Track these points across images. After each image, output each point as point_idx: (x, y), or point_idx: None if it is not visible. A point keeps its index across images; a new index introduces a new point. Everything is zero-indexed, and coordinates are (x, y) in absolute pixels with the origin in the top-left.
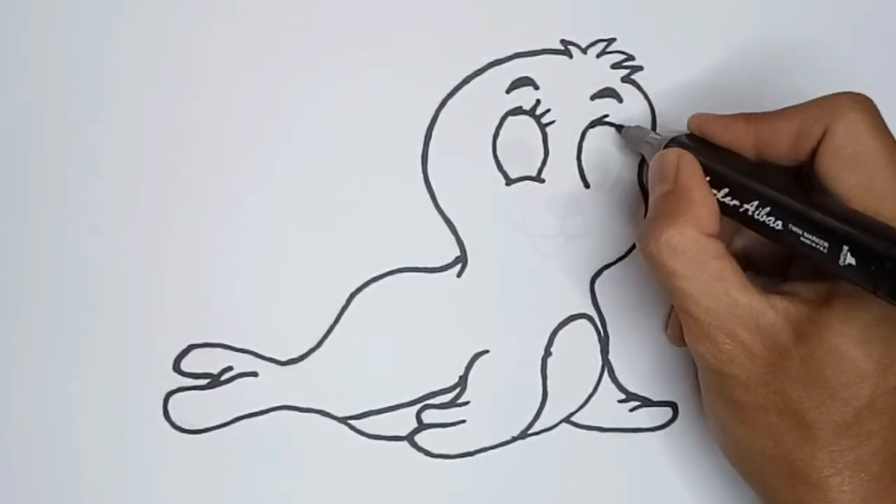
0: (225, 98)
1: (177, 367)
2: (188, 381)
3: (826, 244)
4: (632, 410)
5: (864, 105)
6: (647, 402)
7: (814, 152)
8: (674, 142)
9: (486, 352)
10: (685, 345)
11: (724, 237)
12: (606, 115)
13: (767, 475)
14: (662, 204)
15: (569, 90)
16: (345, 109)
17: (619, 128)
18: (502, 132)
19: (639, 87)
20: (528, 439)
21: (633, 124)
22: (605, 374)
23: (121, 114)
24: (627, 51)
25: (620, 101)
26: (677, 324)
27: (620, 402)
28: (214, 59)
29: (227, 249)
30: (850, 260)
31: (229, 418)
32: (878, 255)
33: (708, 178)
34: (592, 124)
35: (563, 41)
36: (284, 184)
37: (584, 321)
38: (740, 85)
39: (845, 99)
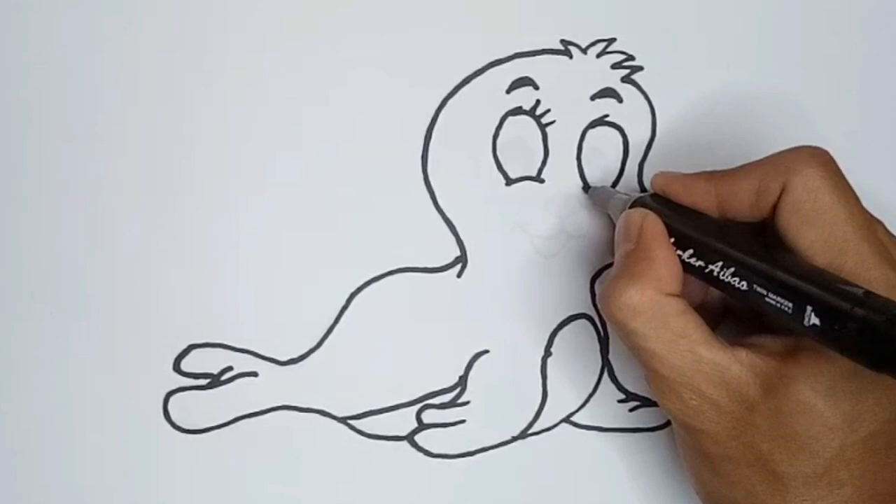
0: (225, 98)
1: (177, 367)
2: (188, 381)
3: (790, 304)
4: (632, 410)
5: (821, 159)
6: (647, 402)
7: (774, 209)
8: (639, 202)
9: (486, 352)
10: None
11: (693, 290)
12: (606, 116)
13: None
14: (624, 264)
15: (569, 90)
16: (345, 109)
17: (585, 188)
18: (502, 132)
19: (639, 88)
20: (528, 439)
21: (598, 185)
22: (605, 374)
23: (121, 114)
24: (627, 51)
25: (620, 101)
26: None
27: (620, 402)
28: (214, 59)
29: (227, 249)
30: (815, 320)
31: (229, 418)
32: (841, 315)
33: (673, 239)
34: (592, 124)
35: (563, 41)
36: (284, 184)
37: (584, 321)
38: (740, 85)
39: (802, 154)
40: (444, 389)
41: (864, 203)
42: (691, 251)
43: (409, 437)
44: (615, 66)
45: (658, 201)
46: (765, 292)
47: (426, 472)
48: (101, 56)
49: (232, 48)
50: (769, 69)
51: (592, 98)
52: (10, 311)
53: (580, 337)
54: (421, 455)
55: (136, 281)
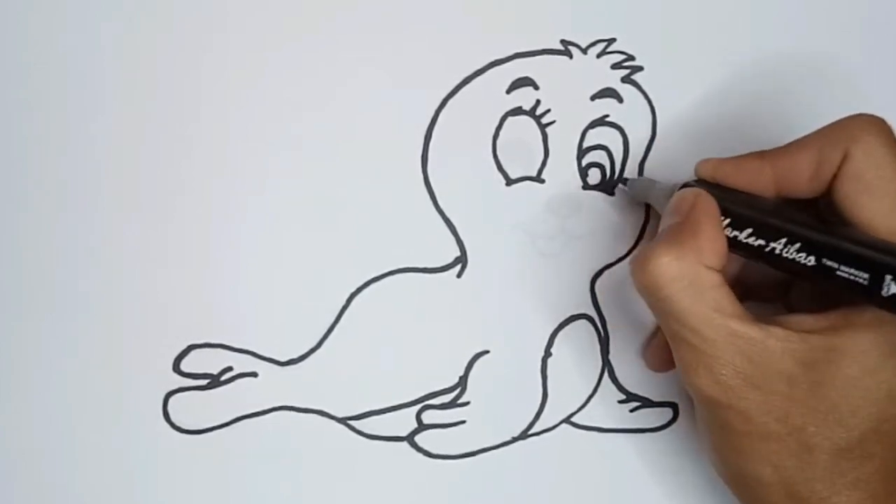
0: (225, 98)
1: (177, 368)
2: (188, 382)
3: (866, 275)
4: (632, 411)
5: (881, 127)
6: (647, 403)
7: (833, 180)
8: (688, 185)
9: (486, 352)
10: (664, 370)
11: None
12: (607, 116)
13: (763, 499)
14: (666, 233)
15: (569, 90)
16: (345, 110)
17: (623, 181)
18: (502, 132)
19: (639, 88)
20: (529, 440)
21: (633, 176)
22: (606, 374)
23: (121, 114)
24: (627, 51)
25: (620, 101)
26: (660, 351)
27: (621, 402)
28: (214, 59)
29: (227, 250)
30: (895, 289)
31: (229, 418)
32: None
33: (729, 220)
34: (593, 124)
35: (563, 41)
36: (284, 184)
37: (584, 321)
38: (740, 85)
39: (861, 122)
40: (444, 390)
41: None
42: (750, 230)
43: (409, 438)
44: (615, 66)
45: (706, 187)
46: (836, 265)
47: (426, 473)
48: (100, 56)
49: (232, 48)
50: (769, 69)
51: (592, 98)
52: (10, 311)
53: (580, 337)
54: (421, 455)
55: (136, 281)
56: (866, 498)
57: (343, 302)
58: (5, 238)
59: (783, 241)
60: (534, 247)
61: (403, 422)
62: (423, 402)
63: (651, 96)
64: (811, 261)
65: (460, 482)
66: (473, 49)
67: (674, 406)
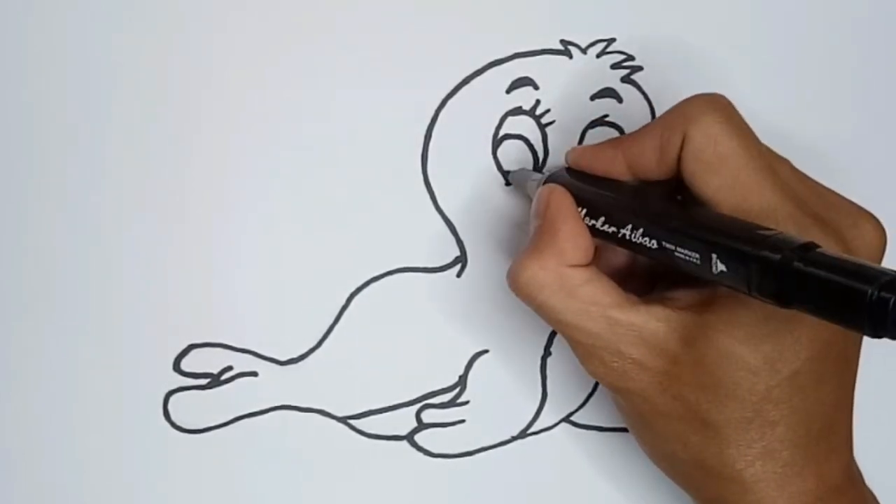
0: (225, 98)
1: (177, 367)
2: (188, 381)
3: (697, 255)
4: None
5: (719, 104)
6: None
7: (679, 161)
8: (552, 178)
9: (486, 352)
10: None
11: (617, 257)
12: (606, 116)
13: (688, 476)
14: (530, 241)
15: (569, 90)
16: (345, 109)
17: (505, 174)
18: (502, 132)
19: (639, 88)
20: (528, 439)
21: (517, 167)
22: None
23: (122, 115)
24: (627, 51)
25: (620, 101)
26: None
27: None
28: (215, 59)
29: (227, 249)
30: (721, 267)
31: (229, 418)
32: (744, 258)
33: (585, 210)
34: (592, 124)
35: (562, 41)
36: (284, 184)
37: None
38: (740, 85)
39: (698, 102)
40: (444, 389)
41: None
42: (603, 218)
43: (409, 437)
44: (615, 66)
45: (573, 175)
46: (673, 247)
47: (426, 472)
48: (102, 57)
49: (233, 49)
50: (769, 69)
51: (592, 98)
52: (10, 311)
53: None
54: (421, 455)
55: (137, 281)
56: (780, 466)
57: (343, 302)
58: (6, 238)
59: (629, 226)
60: None
61: (403, 421)
62: (422, 401)
63: (651, 96)
64: (654, 244)
65: (460, 481)
66: (473, 49)
67: None
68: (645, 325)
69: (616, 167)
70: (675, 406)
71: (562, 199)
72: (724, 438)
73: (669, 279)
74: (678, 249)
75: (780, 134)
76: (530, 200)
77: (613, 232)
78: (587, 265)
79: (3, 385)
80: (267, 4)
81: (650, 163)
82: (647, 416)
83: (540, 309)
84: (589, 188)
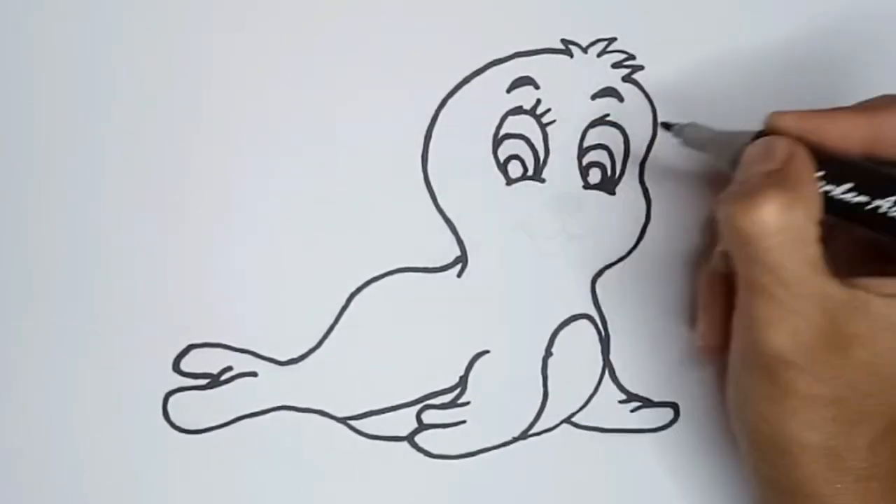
0: (225, 98)
1: (176, 367)
2: (188, 381)
3: None
4: (633, 411)
5: None
6: (648, 403)
7: None
8: (763, 133)
9: (487, 352)
10: (715, 350)
11: None
12: (607, 115)
13: (799, 468)
14: (768, 178)
15: (569, 89)
16: (345, 109)
17: (665, 125)
18: (502, 132)
19: (640, 87)
20: (529, 440)
21: (683, 122)
22: (606, 374)
23: (123, 114)
24: (628, 50)
25: (621, 100)
26: (717, 326)
27: (621, 402)
28: (216, 58)
29: (227, 249)
30: None
31: (229, 418)
32: None
33: (822, 174)
34: (593, 124)
35: (563, 40)
36: (284, 183)
37: (584, 321)
38: (741, 85)
39: None
40: (445, 390)
41: None
42: (850, 185)
43: (410, 438)
44: (616, 65)
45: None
46: None
47: (426, 473)
48: (103, 57)
49: (233, 49)
50: (770, 68)
51: (593, 97)
52: (11, 310)
53: (581, 337)
54: (421, 455)
55: (136, 281)
56: (879, 495)
57: (343, 302)
58: (6, 237)
59: (893, 199)
60: (534, 247)
61: (403, 422)
62: (423, 401)
63: (652, 96)
64: None
65: (460, 482)
66: (473, 48)
67: (674, 406)
68: (849, 304)
69: (854, 137)
70: (840, 392)
71: (805, 156)
72: (866, 435)
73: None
74: None
75: None
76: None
77: (859, 203)
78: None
79: (3, 385)
80: (267, 5)
81: None
82: (802, 398)
83: (760, 252)
84: (820, 149)
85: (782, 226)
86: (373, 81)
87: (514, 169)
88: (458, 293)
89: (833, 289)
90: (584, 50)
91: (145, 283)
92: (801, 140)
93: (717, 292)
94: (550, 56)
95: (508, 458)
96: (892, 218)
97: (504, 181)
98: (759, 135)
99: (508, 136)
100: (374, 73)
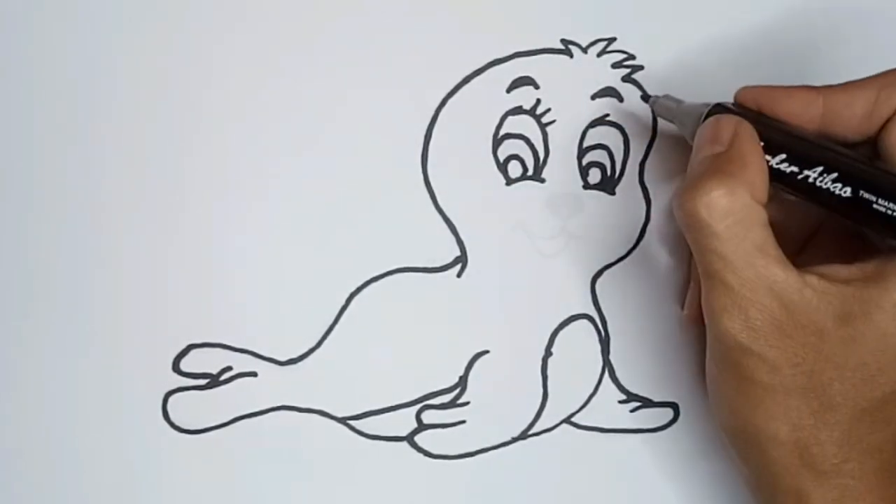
0: (225, 98)
1: (176, 367)
2: (187, 381)
3: None
4: (632, 411)
5: None
6: (647, 403)
7: (885, 123)
8: (720, 108)
9: (487, 352)
10: (702, 324)
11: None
12: (607, 115)
13: (773, 461)
14: (713, 163)
15: (569, 89)
16: (345, 109)
17: (644, 97)
18: (502, 132)
19: (640, 87)
20: (529, 440)
21: (660, 94)
22: (606, 374)
23: (123, 115)
24: (628, 50)
25: (621, 100)
26: (697, 301)
27: (621, 402)
28: (216, 59)
29: (226, 249)
30: None
31: (229, 418)
32: None
33: (762, 144)
34: (593, 124)
35: (563, 40)
36: (284, 184)
37: (584, 321)
38: (741, 84)
39: None
40: (444, 390)
41: None
42: (783, 156)
43: (409, 438)
44: (616, 65)
45: (742, 112)
46: (874, 198)
47: (426, 473)
48: (104, 58)
49: (233, 49)
50: (770, 68)
51: (593, 97)
52: (11, 310)
53: (581, 337)
54: (421, 455)
55: (136, 281)
56: (879, 467)
57: (343, 302)
58: (6, 238)
59: (819, 168)
60: (534, 247)
61: (403, 422)
62: (422, 401)
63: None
64: (847, 192)
65: (460, 482)
66: (473, 48)
67: (674, 406)
68: (801, 290)
69: (809, 113)
70: (801, 382)
71: (749, 133)
72: (837, 426)
73: (820, 251)
74: (879, 200)
75: None
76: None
77: (793, 172)
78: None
79: (4, 385)
80: (267, 5)
81: (854, 117)
82: (765, 387)
83: (708, 239)
84: (766, 124)
85: (725, 211)
86: (373, 81)
87: (514, 169)
88: (458, 293)
89: (784, 274)
90: (584, 50)
91: (145, 283)
92: (760, 114)
93: None
94: (550, 56)
95: (508, 458)
96: (820, 187)
97: (504, 181)
98: (714, 109)
99: (508, 136)
100: (374, 73)
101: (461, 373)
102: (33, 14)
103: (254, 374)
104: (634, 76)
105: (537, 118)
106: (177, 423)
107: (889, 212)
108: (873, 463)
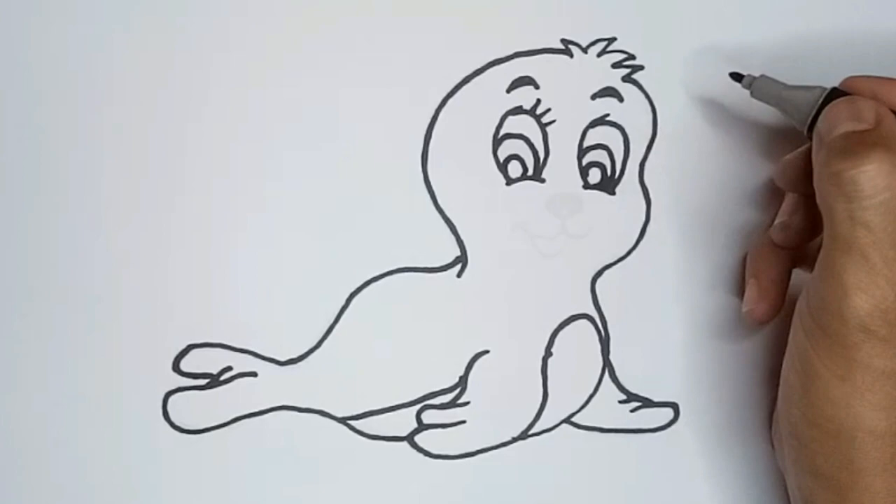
0: (226, 98)
1: (176, 367)
2: (188, 381)
3: None
4: (633, 411)
5: None
6: (648, 403)
7: None
8: (837, 91)
9: (487, 352)
10: (766, 321)
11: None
12: (607, 115)
13: (861, 456)
14: (867, 137)
15: (569, 89)
16: (345, 109)
17: (736, 77)
18: (502, 131)
19: (639, 87)
20: (529, 440)
21: (755, 74)
22: (606, 374)
23: (122, 114)
24: (628, 50)
25: (621, 100)
26: (765, 294)
27: (621, 402)
28: (215, 59)
29: (227, 249)
30: None
31: (229, 418)
32: None
33: None
34: (593, 124)
35: (563, 40)
36: (284, 184)
37: (584, 321)
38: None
39: None
40: (444, 390)
41: None
42: None
43: (409, 438)
44: (616, 65)
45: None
46: None
47: (426, 473)
48: (103, 57)
49: (233, 49)
50: (770, 68)
51: (593, 97)
52: (11, 310)
53: (581, 337)
54: (421, 455)
55: (136, 281)
56: None
57: (343, 302)
58: (6, 237)
59: None
60: (534, 247)
61: (403, 422)
62: (422, 401)
63: (652, 95)
64: None
65: (460, 482)
66: (473, 48)
67: (674, 406)
68: None
69: None
70: None
71: (892, 115)
72: None
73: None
74: None
75: (781, 133)
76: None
77: None
78: None
79: (4, 385)
80: (267, 4)
81: None
82: (879, 374)
83: (864, 210)
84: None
85: (886, 184)
86: (373, 81)
87: (514, 169)
88: (458, 293)
89: None
90: (584, 50)
91: (145, 283)
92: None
93: (769, 262)
94: (550, 56)
95: (508, 458)
96: None
97: (504, 181)
98: (832, 93)
99: (508, 136)
100: (375, 73)
101: (461, 373)
102: (33, 13)
103: (254, 374)
104: (635, 76)
105: (537, 118)
106: (177, 423)
107: None
108: None
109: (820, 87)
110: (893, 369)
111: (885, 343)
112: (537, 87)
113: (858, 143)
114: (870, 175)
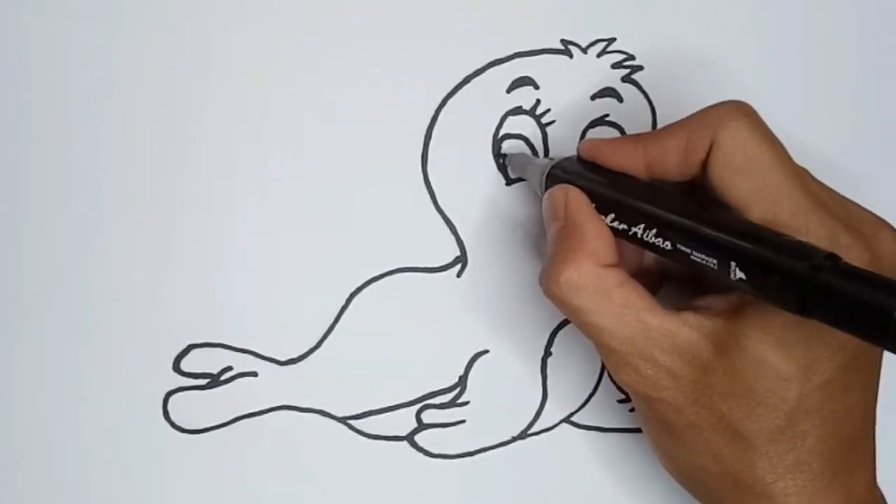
0: (225, 98)
1: (177, 367)
2: (188, 381)
3: (714, 260)
4: (632, 410)
5: (745, 111)
6: None
7: (704, 165)
8: (559, 167)
9: (486, 352)
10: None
11: (629, 258)
12: (607, 115)
13: (714, 491)
14: (557, 242)
15: (569, 90)
16: (345, 109)
17: (498, 155)
18: (502, 132)
19: (639, 87)
20: (528, 439)
21: (515, 151)
22: (606, 374)
23: (123, 114)
24: (628, 50)
25: (621, 100)
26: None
27: (620, 402)
28: (215, 59)
29: (227, 249)
30: (740, 274)
31: (229, 418)
32: (764, 267)
33: (594, 205)
34: (593, 124)
35: (563, 41)
36: (284, 183)
37: None
38: (741, 85)
39: (726, 108)
40: (444, 389)
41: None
42: (613, 215)
43: (409, 437)
44: (615, 65)
45: (583, 165)
46: (689, 251)
47: (426, 472)
48: (103, 56)
49: (233, 49)
50: (769, 68)
51: (593, 98)
52: (11, 311)
53: (580, 337)
54: (421, 455)
55: (136, 281)
56: (810, 480)
57: (343, 302)
58: (6, 238)
59: (642, 225)
60: (534, 247)
61: (403, 421)
62: (422, 401)
63: (651, 96)
64: (668, 245)
65: (460, 482)
66: (473, 49)
67: None
68: (678, 331)
69: (633, 163)
70: (706, 416)
71: (580, 198)
72: (755, 449)
73: (676, 283)
74: (694, 253)
75: (781, 133)
76: (532, 187)
77: (624, 229)
78: (617, 266)
79: (4, 385)
80: (266, 4)
81: (672, 164)
82: (677, 427)
83: (575, 313)
84: (599, 181)
85: (578, 286)
86: (372, 81)
87: (514, 169)
88: (458, 293)
89: (657, 321)
90: (584, 50)
91: (145, 283)
92: (598, 167)
93: None
94: (550, 56)
95: (508, 457)
96: (647, 241)
97: (504, 181)
98: (552, 171)
99: (508, 136)
100: (375, 73)
101: (461, 373)
102: (33, 13)
103: (254, 374)
104: (634, 76)
105: (537, 118)
106: (177, 422)
107: (703, 262)
108: (803, 476)
109: (550, 159)
110: (687, 420)
111: (664, 402)
112: (537, 87)
113: (551, 256)
114: (562, 284)
